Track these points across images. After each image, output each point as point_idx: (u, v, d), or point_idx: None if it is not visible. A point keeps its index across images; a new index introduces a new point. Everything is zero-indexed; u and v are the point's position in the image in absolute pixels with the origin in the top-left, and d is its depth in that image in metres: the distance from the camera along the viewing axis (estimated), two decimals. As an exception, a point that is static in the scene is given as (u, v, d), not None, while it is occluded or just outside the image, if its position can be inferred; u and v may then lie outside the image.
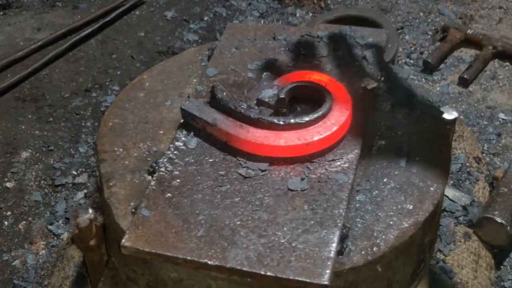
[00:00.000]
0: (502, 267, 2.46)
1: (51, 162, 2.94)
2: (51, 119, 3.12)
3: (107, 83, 3.30)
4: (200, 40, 3.56)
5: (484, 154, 2.86)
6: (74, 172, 2.91)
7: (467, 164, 2.60)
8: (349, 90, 1.88)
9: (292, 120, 1.76)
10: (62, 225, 2.71)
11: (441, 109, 1.98)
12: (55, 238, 2.67)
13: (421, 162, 1.79)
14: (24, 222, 2.73)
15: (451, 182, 2.54)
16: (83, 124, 3.11)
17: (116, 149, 1.88)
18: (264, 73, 2.02)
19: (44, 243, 2.66)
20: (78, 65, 3.38)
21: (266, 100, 1.87)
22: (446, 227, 2.36)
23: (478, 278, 2.25)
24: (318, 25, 2.28)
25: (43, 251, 2.64)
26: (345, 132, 1.80)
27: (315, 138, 1.73)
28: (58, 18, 3.67)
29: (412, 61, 3.41)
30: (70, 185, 2.86)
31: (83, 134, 3.06)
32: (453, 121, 1.99)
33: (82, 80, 3.31)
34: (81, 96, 3.23)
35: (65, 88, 3.27)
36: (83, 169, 2.91)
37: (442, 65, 3.38)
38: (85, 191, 2.82)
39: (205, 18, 3.71)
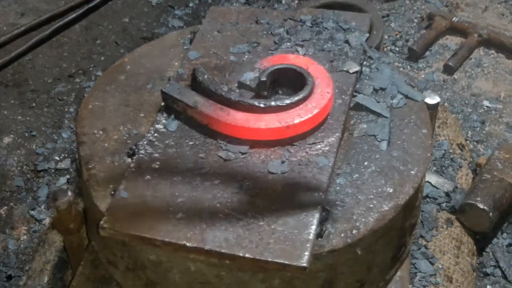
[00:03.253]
0: (484, 253, 2.46)
1: (34, 147, 2.92)
2: (34, 104, 3.09)
3: (91, 68, 3.28)
4: (185, 26, 3.53)
5: (468, 141, 2.86)
6: (57, 158, 2.89)
7: (451, 151, 2.60)
8: (331, 74, 1.88)
9: (272, 103, 1.75)
10: (44, 210, 2.69)
11: (424, 93, 1.97)
12: (37, 224, 2.66)
13: (402, 146, 1.79)
14: (5, 207, 2.71)
15: (434, 168, 2.54)
16: (66, 109, 3.08)
17: (96, 131, 1.86)
18: (246, 56, 2.01)
19: (25, 228, 2.65)
20: (61, 51, 3.36)
21: (247, 83, 1.86)
22: (428, 213, 2.36)
23: (459, 264, 2.25)
24: (301, 10, 2.27)
25: (25, 237, 2.62)
26: (326, 115, 1.79)
27: (296, 121, 1.72)
28: (42, 3, 3.63)
29: (397, 49, 3.40)
30: (53, 170, 2.84)
31: (66, 119, 3.04)
32: (436, 105, 1.99)
33: (66, 66, 3.29)
34: (65, 81, 3.21)
35: (48, 73, 3.24)
36: (66, 155, 2.89)
37: (427, 53, 3.37)
38: (68, 176, 2.80)
39: (190, 4, 3.69)
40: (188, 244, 1.53)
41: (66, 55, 3.34)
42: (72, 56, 3.34)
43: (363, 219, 1.62)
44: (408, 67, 3.29)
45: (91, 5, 3.55)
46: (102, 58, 3.33)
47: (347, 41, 2.04)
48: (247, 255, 1.50)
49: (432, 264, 2.21)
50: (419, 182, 1.74)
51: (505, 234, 2.50)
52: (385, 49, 3.39)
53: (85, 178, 1.75)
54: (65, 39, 3.42)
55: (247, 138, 1.74)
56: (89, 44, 3.41)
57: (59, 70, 3.26)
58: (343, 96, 1.87)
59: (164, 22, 3.57)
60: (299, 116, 1.73)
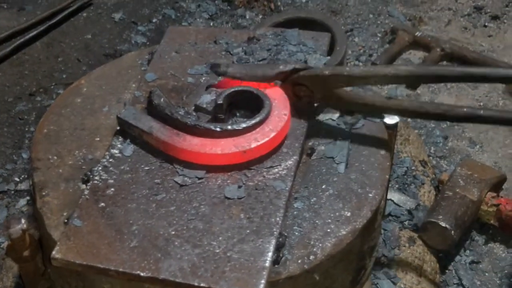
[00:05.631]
0: (447, 271, 2.45)
1: (-7, 168, 2.87)
2: (-7, 124, 3.05)
3: (52, 87, 3.24)
4: (148, 43, 3.51)
5: (431, 158, 2.86)
6: (17, 179, 2.84)
7: (413, 168, 2.60)
8: (288, 95, 1.86)
9: (229, 127, 1.73)
10: (3, 233, 2.64)
11: (383, 113, 1.96)
12: (-5, 247, 2.61)
13: (360, 168, 1.78)
14: (-37, 230, 2.66)
15: (396, 186, 2.53)
16: (26, 129, 3.04)
17: (50, 157, 1.83)
18: (204, 78, 1.99)
19: (-17, 252, 2.60)
20: (22, 69, 3.31)
21: (204, 106, 1.83)
22: (390, 232, 2.35)
23: (422, 283, 2.24)
24: (261, 28, 2.25)
25: (-17, 261, 2.57)
26: (283, 138, 1.78)
27: (253, 145, 1.70)
28: (2, 20, 3.59)
29: (361, 63, 3.40)
30: (12, 192, 2.79)
31: (27, 139, 2.99)
32: (395, 125, 1.98)
33: (27, 84, 3.24)
34: (25, 100, 3.16)
35: (9, 92, 3.19)
36: (26, 176, 2.84)
37: (391, 68, 3.37)
38: (28, 198, 2.76)
39: (154, 20, 3.67)
40: (142, 274, 1.50)
41: (27, 73, 3.29)
42: (33, 74, 3.29)
43: (320, 244, 1.60)
44: (372, 82, 3.28)
45: (52, 21, 3.51)
46: (64, 76, 3.29)
47: (305, 62, 2.03)
48: (202, 284, 1.47)
49: (395, 283, 2.20)
50: (377, 204, 1.72)
51: (467, 252, 2.50)
52: (349, 64, 3.39)
53: (38, 206, 1.72)
54: (26, 56, 3.38)
55: (204, 164, 1.71)
56: (50, 62, 3.36)
57: (20, 89, 3.22)
58: (301, 118, 1.86)
59: (127, 38, 3.54)
60: (256, 140, 1.71)
